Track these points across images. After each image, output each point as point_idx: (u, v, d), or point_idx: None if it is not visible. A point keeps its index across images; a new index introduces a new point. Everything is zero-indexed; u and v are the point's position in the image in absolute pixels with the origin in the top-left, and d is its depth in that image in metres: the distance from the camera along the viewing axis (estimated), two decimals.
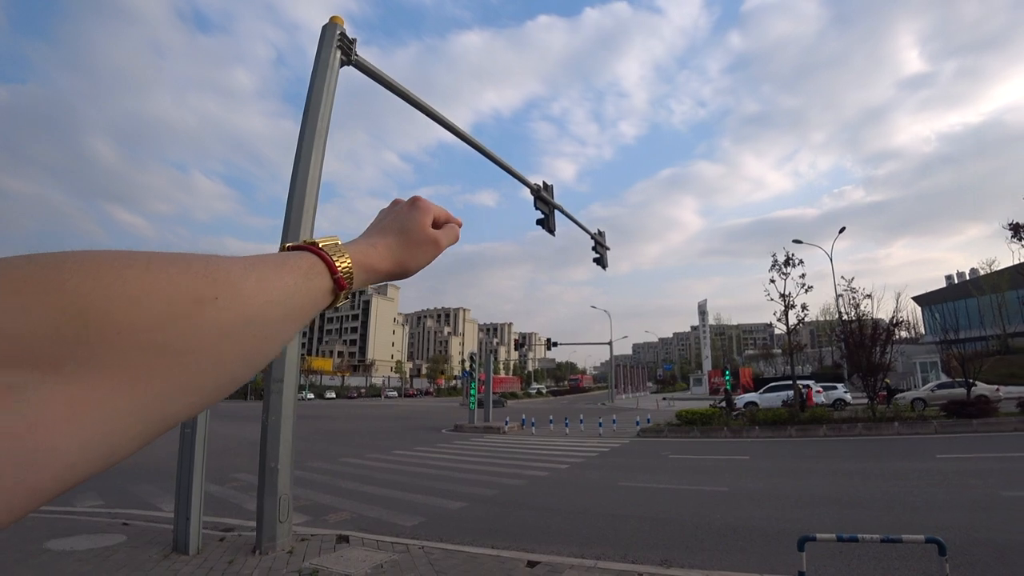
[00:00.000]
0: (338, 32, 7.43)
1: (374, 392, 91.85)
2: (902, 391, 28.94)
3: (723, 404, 26.03)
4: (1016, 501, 8.66)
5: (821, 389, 29.43)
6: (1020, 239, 22.60)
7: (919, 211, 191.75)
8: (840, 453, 14.98)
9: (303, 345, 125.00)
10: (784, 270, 22.38)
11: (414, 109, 9.43)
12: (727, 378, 38.79)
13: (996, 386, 25.82)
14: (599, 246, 16.00)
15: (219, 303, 0.37)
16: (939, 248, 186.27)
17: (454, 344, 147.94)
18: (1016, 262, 29.02)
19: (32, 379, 0.28)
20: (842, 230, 34.75)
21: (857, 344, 21.07)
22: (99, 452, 0.31)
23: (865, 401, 22.25)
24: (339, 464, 14.57)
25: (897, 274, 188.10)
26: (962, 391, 21.53)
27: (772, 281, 22.72)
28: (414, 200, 0.71)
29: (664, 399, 50.49)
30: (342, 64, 7.68)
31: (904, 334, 67.24)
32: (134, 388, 0.32)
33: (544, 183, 13.36)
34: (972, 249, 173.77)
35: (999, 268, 51.42)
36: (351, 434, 24.79)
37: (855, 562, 5.79)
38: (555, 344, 49.71)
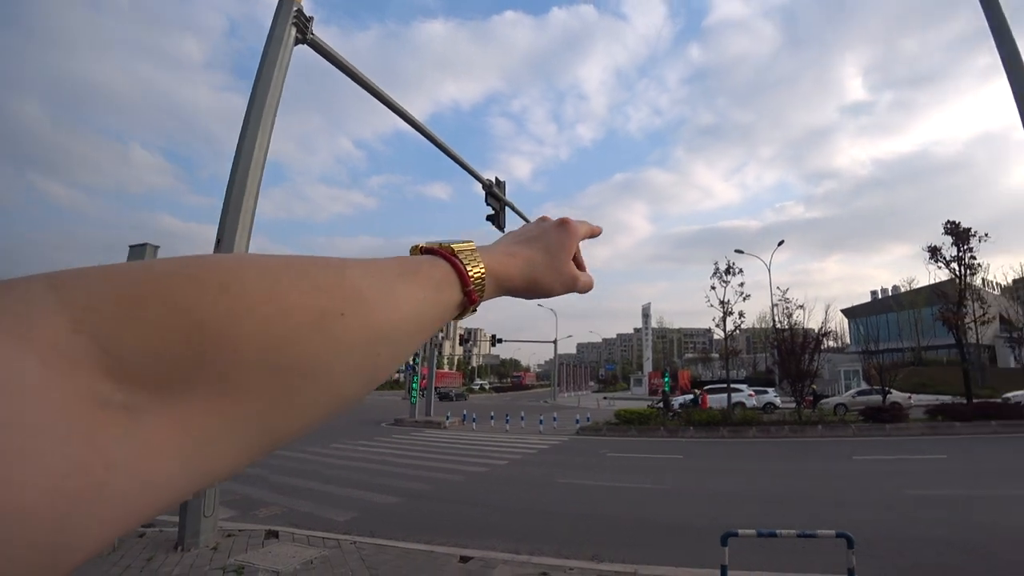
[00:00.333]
0: (295, 8, 7.20)
1: None
2: (827, 397, 30.51)
3: (660, 405, 26.77)
4: (918, 499, 9.31)
5: (753, 392, 30.69)
6: (936, 261, 24.29)
7: (852, 229, 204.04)
8: (767, 454, 15.70)
9: None
10: (725, 278, 23.27)
11: (371, 95, 9.25)
12: (666, 380, 39.82)
13: (909, 394, 27.75)
14: None
15: (345, 319, 0.34)
16: (868, 265, 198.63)
17: None
18: (932, 282, 31.31)
19: (145, 400, 0.26)
20: (781, 243, 36.32)
21: (788, 351, 22.13)
22: (199, 474, 0.29)
23: (793, 405, 23.36)
24: (273, 457, 14.14)
25: (830, 287, 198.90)
26: (879, 398, 22.91)
27: (713, 288, 23.59)
28: (563, 221, 0.63)
29: (605, 398, 51.54)
30: (297, 42, 7.44)
31: (832, 344, 71.34)
32: (245, 409, 0.29)
33: (496, 179, 13.35)
34: (896, 268, 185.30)
35: (917, 286, 55.08)
36: None
37: (775, 555, 6.07)
38: (500, 340, 49.78)
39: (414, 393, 27.11)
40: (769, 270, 34.81)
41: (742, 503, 9.49)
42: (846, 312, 75.07)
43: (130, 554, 5.83)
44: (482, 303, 0.50)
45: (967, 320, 24.24)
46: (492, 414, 25.84)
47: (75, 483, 0.22)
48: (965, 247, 23.53)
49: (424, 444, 18.06)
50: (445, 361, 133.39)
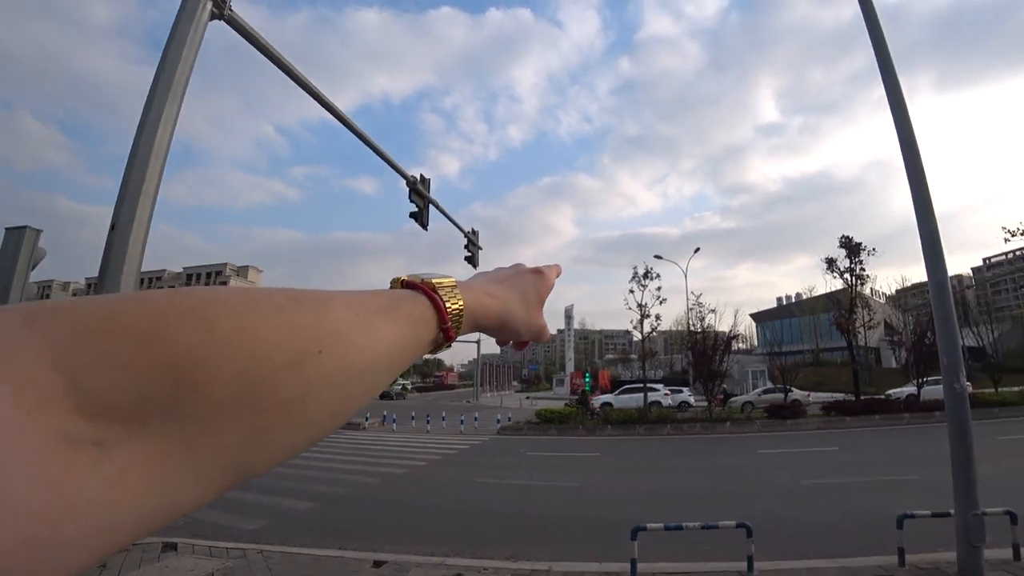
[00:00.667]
0: None
1: None
2: (736, 395, 32.27)
3: (580, 404, 27.35)
4: (812, 488, 10.04)
5: (669, 392, 31.90)
6: (832, 271, 26.36)
7: (762, 240, 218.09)
8: (680, 450, 16.40)
9: None
10: (643, 282, 24.05)
11: (293, 80, 8.83)
12: (587, 380, 40.75)
13: (808, 392, 29.86)
14: (471, 245, 16.08)
15: (322, 358, 0.33)
16: (775, 273, 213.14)
17: None
18: (829, 290, 34.03)
19: (117, 436, 0.25)
20: (696, 250, 38.23)
21: (701, 353, 23.20)
22: (165, 509, 0.28)
23: (706, 404, 24.51)
24: None
25: (741, 293, 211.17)
26: (782, 396, 24.48)
27: (631, 291, 24.32)
28: (539, 270, 0.65)
29: (527, 398, 52.01)
30: (213, 17, 6.96)
31: (741, 346, 75.78)
32: (216, 445, 0.29)
33: (421, 176, 13.15)
34: (799, 276, 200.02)
35: (816, 294, 59.57)
36: None
37: (682, 547, 6.34)
38: None
39: None
40: (686, 276, 36.51)
41: (655, 498, 9.85)
42: (754, 316, 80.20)
43: None
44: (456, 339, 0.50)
45: (857, 325, 26.32)
46: (413, 415, 25.47)
47: (36, 527, 0.22)
48: (856, 259, 25.62)
49: (341, 446, 17.51)
50: None
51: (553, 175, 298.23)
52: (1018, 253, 34.09)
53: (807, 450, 15.16)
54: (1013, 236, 28.51)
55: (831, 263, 26.22)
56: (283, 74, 8.62)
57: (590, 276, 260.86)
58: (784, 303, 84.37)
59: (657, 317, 24.61)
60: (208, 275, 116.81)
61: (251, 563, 5.69)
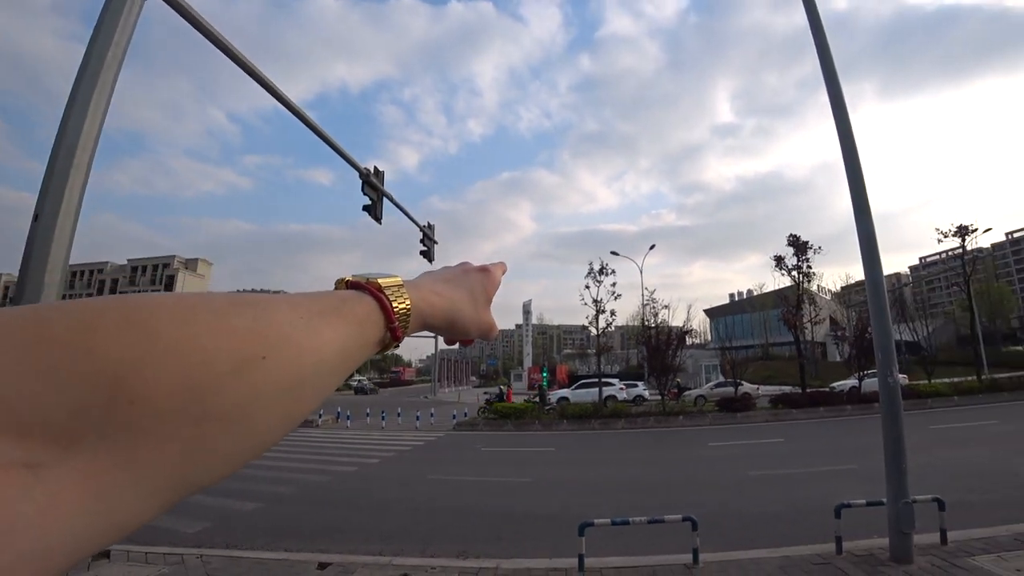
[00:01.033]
0: None
1: None
2: (689, 389, 33.04)
3: (537, 399, 27.50)
4: (759, 479, 10.34)
5: (624, 386, 32.37)
6: (780, 268, 27.23)
7: (716, 238, 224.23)
8: (634, 443, 16.66)
9: None
10: (598, 278, 24.26)
11: (237, 64, 8.47)
12: (544, 375, 41.03)
13: (757, 386, 30.87)
14: (427, 239, 15.89)
15: (267, 363, 0.32)
16: (728, 270, 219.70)
17: None
18: (777, 287, 35.37)
19: (49, 456, 0.24)
20: (652, 247, 38.86)
21: (655, 348, 23.61)
22: (108, 528, 0.26)
23: (660, 398, 24.97)
24: None
25: (696, 289, 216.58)
26: (732, 390, 25.17)
27: (587, 287, 24.51)
28: (485, 268, 0.66)
29: (485, 393, 51.99)
30: None
31: (696, 341, 77.73)
32: (158, 459, 0.27)
33: (375, 168, 12.88)
34: (751, 274, 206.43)
35: (766, 291, 61.64)
36: None
37: (630, 540, 6.41)
38: None
39: None
40: (641, 272, 37.10)
41: (608, 491, 9.96)
42: (708, 312, 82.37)
43: None
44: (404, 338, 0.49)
45: (803, 320, 27.29)
46: (368, 411, 25.13)
47: None
48: (803, 257, 26.54)
49: (292, 444, 17.08)
50: None
51: (512, 170, 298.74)
52: (950, 253, 35.94)
53: (755, 442, 15.62)
54: (946, 237, 30.15)
55: (779, 261, 27.13)
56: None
57: (549, 271, 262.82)
58: (736, 299, 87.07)
59: (612, 313, 24.90)
60: (155, 268, 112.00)
61: (189, 568, 5.46)
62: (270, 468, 12.44)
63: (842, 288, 64.31)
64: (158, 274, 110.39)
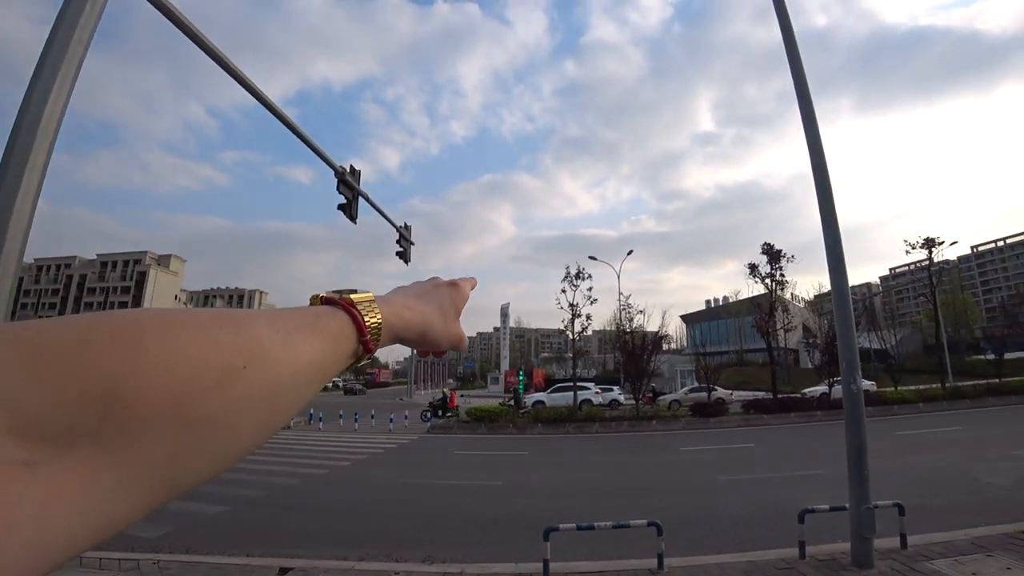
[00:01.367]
0: None
1: None
2: (665, 394, 33.31)
3: (512, 402, 27.46)
4: (729, 484, 10.43)
5: (600, 390, 32.49)
6: (754, 276, 27.64)
7: (695, 245, 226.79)
8: (606, 448, 16.70)
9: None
10: (575, 282, 24.29)
11: (206, 53, 8.29)
12: (520, 378, 40.99)
13: (731, 391, 31.22)
14: (403, 240, 15.76)
15: (247, 373, 0.35)
16: (706, 277, 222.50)
17: None
18: (752, 294, 35.95)
19: (47, 455, 0.26)
20: (630, 252, 39.13)
21: (630, 352, 23.73)
22: (101, 525, 0.29)
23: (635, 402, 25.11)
24: None
25: (674, 295, 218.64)
26: (706, 395, 25.41)
27: (563, 291, 24.54)
28: (455, 283, 0.68)
29: (461, 395, 51.81)
30: None
31: (672, 346, 78.47)
32: (147, 461, 0.30)
33: (351, 167, 12.74)
34: (727, 281, 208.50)
35: (741, 298, 62.62)
36: None
37: (598, 545, 6.42)
38: None
39: None
40: (618, 277, 37.30)
41: (578, 495, 9.96)
42: (684, 318, 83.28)
43: None
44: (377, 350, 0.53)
45: (776, 327, 27.71)
46: (341, 413, 24.81)
47: None
48: (776, 265, 26.95)
49: (263, 446, 16.82)
50: None
51: (494, 172, 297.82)
52: (918, 265, 36.90)
53: (726, 447, 15.78)
54: (913, 248, 30.93)
55: (753, 268, 27.52)
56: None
57: (528, 275, 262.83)
58: (712, 306, 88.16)
59: (588, 317, 24.97)
60: (125, 263, 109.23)
61: (145, 575, 5.30)
62: (237, 470, 12.19)
63: (815, 296, 65.55)
64: (129, 270, 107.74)
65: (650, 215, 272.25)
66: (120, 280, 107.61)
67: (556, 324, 27.01)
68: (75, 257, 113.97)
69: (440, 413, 25.95)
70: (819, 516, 5.71)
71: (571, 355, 31.49)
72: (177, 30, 7.38)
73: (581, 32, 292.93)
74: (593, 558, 6.01)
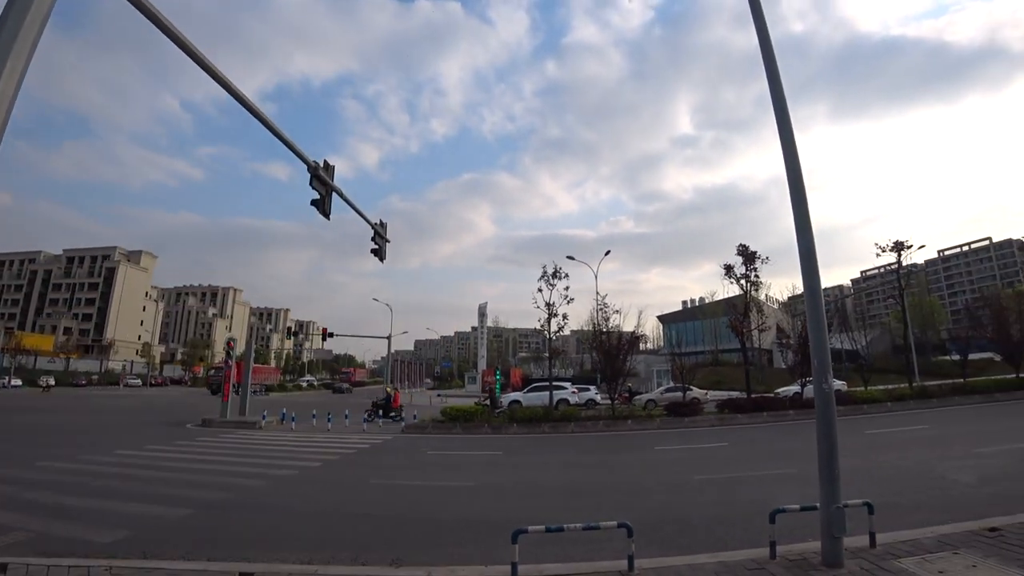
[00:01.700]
0: None
1: (112, 379, 77.50)
2: (641, 393, 33.55)
3: (487, 402, 27.34)
4: (702, 483, 10.46)
5: (576, 390, 32.58)
6: (729, 277, 27.92)
7: (672, 246, 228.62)
8: (582, 447, 16.68)
9: (9, 316, 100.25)
10: (551, 281, 24.19)
11: (169, 38, 8.00)
12: (498, 377, 40.90)
13: (706, 391, 31.62)
14: (379, 237, 15.54)
15: None
16: (684, 278, 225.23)
17: (220, 328, 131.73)
18: (728, 295, 36.43)
19: None
20: (607, 253, 39.36)
21: (606, 352, 23.76)
22: None
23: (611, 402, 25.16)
24: (33, 470, 11.81)
25: (652, 296, 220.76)
26: (681, 394, 25.60)
27: (540, 290, 24.45)
28: None
29: (439, 395, 51.67)
30: None
31: (649, 346, 79.08)
32: None
33: (325, 162, 12.50)
34: (704, 282, 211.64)
35: (717, 299, 63.45)
36: (63, 431, 20.59)
37: (569, 545, 6.33)
38: (332, 335, 47.59)
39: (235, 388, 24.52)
40: (596, 277, 37.52)
41: (551, 495, 9.88)
42: (661, 318, 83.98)
43: None
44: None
45: (751, 328, 28.03)
46: (314, 412, 24.41)
47: None
48: (751, 267, 27.25)
49: (232, 447, 16.43)
50: (272, 355, 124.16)
51: (474, 172, 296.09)
52: (888, 268, 37.70)
53: (701, 446, 15.88)
54: (884, 252, 31.58)
55: (729, 269, 27.78)
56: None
57: (507, 275, 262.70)
58: (688, 306, 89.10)
59: (565, 316, 24.90)
60: (93, 259, 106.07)
61: None
62: (204, 472, 11.89)
63: (789, 298, 66.74)
64: (97, 266, 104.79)
65: (629, 216, 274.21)
66: (87, 276, 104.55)
67: (534, 324, 26.89)
68: (40, 252, 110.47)
69: (382, 413, 25.72)
70: (790, 515, 5.71)
71: (548, 355, 31.46)
72: (149, 22, 7.10)
73: (563, 33, 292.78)
74: (563, 559, 5.92)
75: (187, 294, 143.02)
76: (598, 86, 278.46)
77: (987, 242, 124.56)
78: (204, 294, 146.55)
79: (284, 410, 25.08)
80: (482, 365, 62.94)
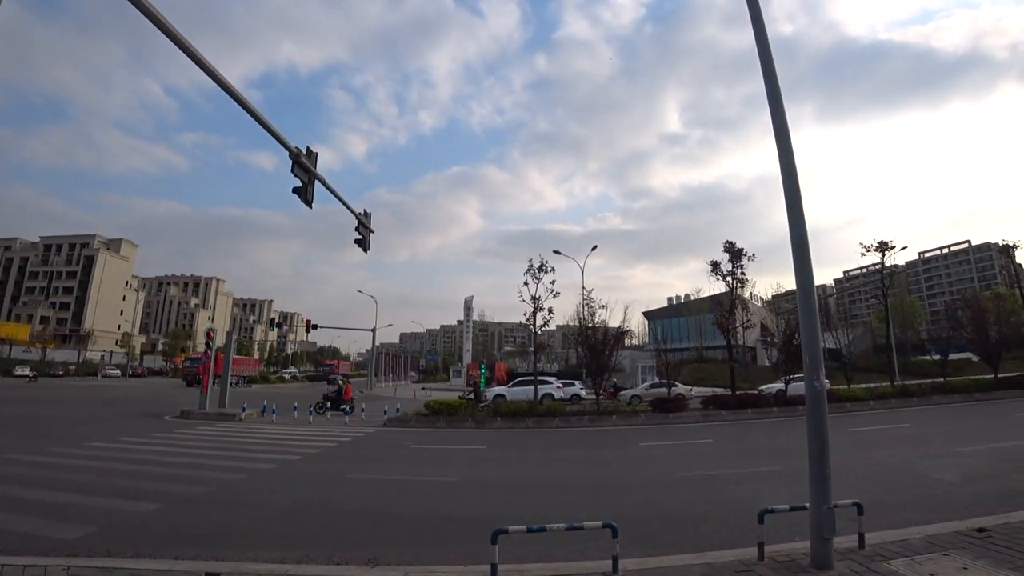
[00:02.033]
0: None
1: (89, 370, 75.98)
2: (626, 389, 33.57)
3: (472, 395, 27.16)
4: (686, 480, 10.38)
5: (561, 385, 32.55)
6: (716, 273, 27.97)
7: (659, 243, 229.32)
8: (565, 443, 16.56)
9: None
10: (537, 275, 23.99)
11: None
12: (483, 371, 40.79)
13: (690, 387, 31.75)
14: (363, 227, 15.25)
15: None
16: (670, 275, 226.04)
17: (202, 318, 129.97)
18: (713, 292, 36.55)
19: None
20: (594, 248, 39.50)
21: (592, 347, 23.66)
22: None
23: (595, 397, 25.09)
24: None
25: (638, 292, 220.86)
26: (666, 390, 25.61)
27: (525, 284, 24.24)
28: None
29: (423, 388, 51.33)
30: None
31: (634, 341, 79.36)
32: None
33: (308, 149, 12.17)
34: (690, 279, 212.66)
35: (703, 296, 63.83)
36: (34, 422, 20.04)
37: (551, 545, 6.15)
38: (315, 326, 47.07)
39: (219, 380, 24.05)
40: (582, 272, 37.52)
41: (534, 492, 9.72)
42: (647, 315, 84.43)
43: None
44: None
45: (736, 325, 28.09)
46: (296, 404, 24.03)
47: None
48: (738, 264, 27.30)
49: (209, 439, 16.07)
50: (256, 347, 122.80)
51: (462, 165, 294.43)
52: (870, 268, 38.09)
53: (685, 442, 15.83)
54: (868, 251, 31.81)
55: (715, 266, 27.83)
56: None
57: (493, 269, 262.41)
58: (674, 303, 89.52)
59: (550, 311, 24.71)
60: (71, 247, 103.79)
61: None
62: (178, 464, 11.55)
63: (773, 296, 67.40)
64: (75, 254, 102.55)
65: (616, 212, 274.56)
66: (65, 264, 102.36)
67: (520, 318, 26.68)
68: (16, 238, 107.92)
69: (331, 405, 25.43)
70: (778, 514, 5.58)
71: (533, 349, 31.32)
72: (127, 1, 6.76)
73: (554, 27, 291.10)
74: (546, 559, 5.75)
75: (169, 284, 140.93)
76: (588, 81, 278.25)
77: (966, 245, 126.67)
78: (187, 284, 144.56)
79: (265, 402, 24.68)
80: (467, 359, 62.81)
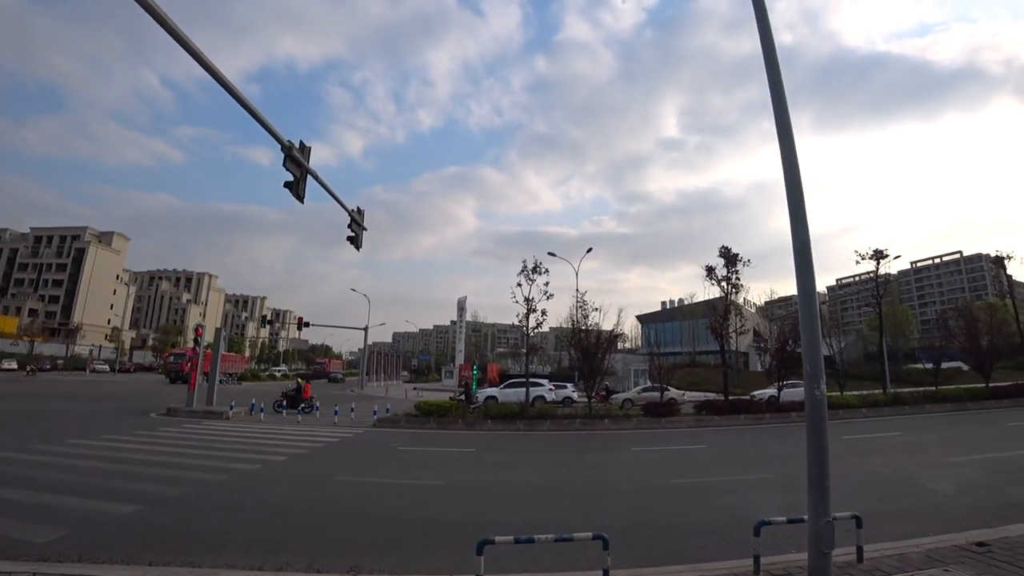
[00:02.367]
0: None
1: (78, 364, 75.10)
2: (618, 392, 33.39)
3: (463, 396, 26.91)
4: (681, 487, 10.20)
5: (553, 387, 32.33)
6: (710, 278, 27.89)
7: (653, 247, 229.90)
8: (556, 446, 16.35)
9: None
10: (531, 276, 23.79)
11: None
12: (475, 372, 40.52)
13: (683, 391, 31.60)
14: (355, 224, 15.01)
15: None
16: (663, 279, 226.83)
17: (193, 314, 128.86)
18: (707, 297, 36.56)
19: None
20: (589, 250, 39.19)
21: (584, 350, 23.48)
22: None
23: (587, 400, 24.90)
24: None
25: (632, 295, 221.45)
26: (658, 394, 25.45)
27: (519, 285, 24.04)
28: None
29: (415, 388, 51.01)
30: None
31: (627, 345, 79.27)
32: None
33: (301, 143, 11.94)
34: (683, 283, 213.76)
35: (697, 300, 63.87)
36: (14, 417, 19.67)
37: (539, 554, 5.95)
38: (307, 324, 46.73)
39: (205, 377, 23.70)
40: (577, 274, 37.30)
41: (524, 496, 9.52)
42: (640, 318, 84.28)
43: None
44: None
45: (729, 330, 28.02)
46: (284, 403, 23.74)
47: None
48: (733, 269, 27.22)
49: (194, 438, 15.77)
50: (247, 344, 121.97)
51: (459, 164, 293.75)
52: (864, 276, 38.15)
53: (678, 448, 15.68)
54: (864, 259, 31.80)
55: (710, 270, 27.75)
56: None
57: (488, 269, 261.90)
58: (668, 307, 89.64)
59: (543, 313, 24.50)
60: (62, 239, 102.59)
61: None
62: (159, 464, 11.28)
63: (766, 302, 67.58)
64: (66, 246, 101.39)
65: (612, 216, 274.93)
66: (55, 257, 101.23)
67: (513, 320, 26.42)
68: (6, 230, 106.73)
69: (288, 404, 25.16)
70: (774, 524, 5.41)
71: (526, 351, 31.08)
72: None
73: (555, 29, 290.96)
74: (533, 569, 5.57)
75: (161, 278, 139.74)
76: (587, 84, 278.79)
77: (958, 255, 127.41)
78: (178, 279, 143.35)
79: (254, 400, 24.35)
80: (460, 359, 62.41)
